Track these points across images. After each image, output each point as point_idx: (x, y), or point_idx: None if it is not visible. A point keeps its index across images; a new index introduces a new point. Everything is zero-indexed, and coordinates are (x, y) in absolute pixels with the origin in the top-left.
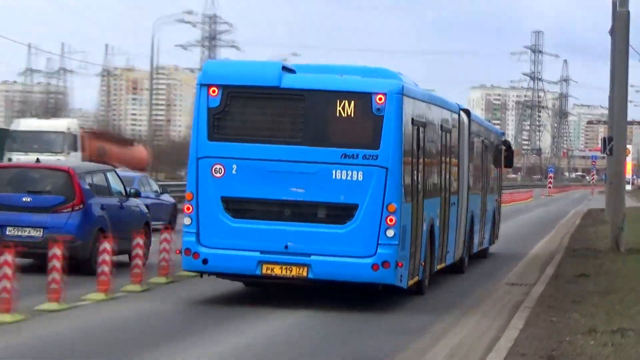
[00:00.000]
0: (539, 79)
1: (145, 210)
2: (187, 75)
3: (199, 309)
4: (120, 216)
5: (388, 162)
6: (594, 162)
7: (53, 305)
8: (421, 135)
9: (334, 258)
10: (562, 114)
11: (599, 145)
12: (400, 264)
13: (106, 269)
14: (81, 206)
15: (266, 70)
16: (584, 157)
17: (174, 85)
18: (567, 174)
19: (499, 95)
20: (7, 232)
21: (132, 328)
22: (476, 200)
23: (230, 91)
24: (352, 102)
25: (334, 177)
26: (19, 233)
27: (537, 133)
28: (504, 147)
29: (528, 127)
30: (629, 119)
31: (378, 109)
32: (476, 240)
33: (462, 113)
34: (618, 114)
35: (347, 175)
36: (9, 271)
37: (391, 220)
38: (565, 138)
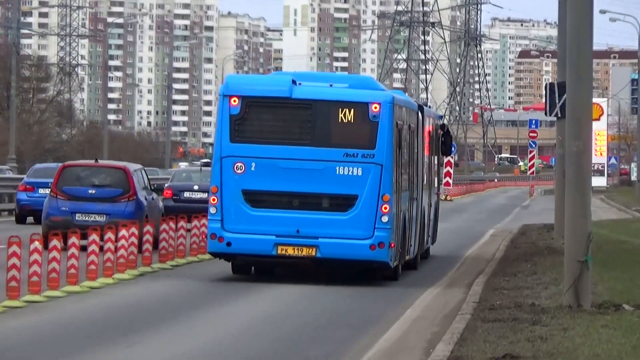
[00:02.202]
0: None
1: (161, 203)
2: None
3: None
4: (152, 207)
5: (383, 159)
6: (533, 133)
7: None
8: (401, 135)
9: (338, 240)
10: (470, 39)
11: (542, 102)
12: (392, 245)
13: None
14: (134, 197)
15: (279, 83)
16: (513, 123)
17: None
18: (479, 157)
19: (347, 4)
20: (77, 218)
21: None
22: (426, 196)
23: (249, 101)
24: (352, 110)
25: (337, 172)
26: (86, 218)
27: (423, 76)
28: (441, 132)
29: (404, 65)
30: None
31: (374, 116)
32: (425, 238)
33: (419, 110)
34: (577, 37)
35: (348, 171)
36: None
37: (385, 208)
38: (477, 86)
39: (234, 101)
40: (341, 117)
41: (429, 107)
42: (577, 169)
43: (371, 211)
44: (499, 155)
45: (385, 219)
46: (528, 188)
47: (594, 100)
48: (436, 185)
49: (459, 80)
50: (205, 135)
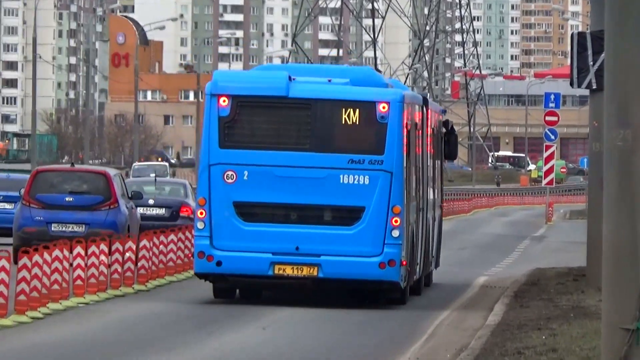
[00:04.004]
0: None
1: (138, 212)
2: None
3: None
4: (132, 216)
5: (393, 166)
6: (551, 115)
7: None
8: (410, 137)
9: (343, 258)
10: None
11: (565, 65)
12: (404, 263)
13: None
14: (116, 205)
15: (274, 80)
16: (518, 99)
17: None
18: (463, 157)
19: None
20: (52, 229)
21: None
22: (431, 207)
23: (240, 101)
24: (357, 110)
25: (341, 181)
26: (63, 229)
27: (369, 22)
28: (444, 131)
29: (336, 3)
30: None
31: (382, 117)
32: (429, 258)
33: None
34: None
35: (354, 179)
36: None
37: (396, 221)
38: (459, 38)
39: (223, 101)
40: (345, 118)
41: (429, 98)
42: (623, 176)
43: (380, 225)
44: (496, 154)
45: (396, 233)
46: (543, 208)
47: None
48: (440, 196)
49: (427, 28)
50: (8, 120)
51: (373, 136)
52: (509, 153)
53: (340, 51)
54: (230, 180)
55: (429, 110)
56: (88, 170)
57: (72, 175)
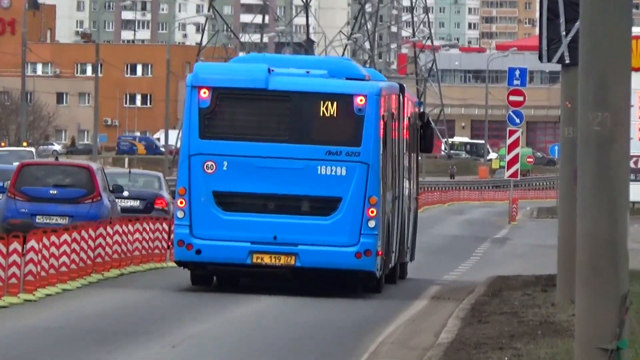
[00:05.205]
0: None
1: (119, 206)
2: None
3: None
4: (114, 209)
5: (369, 158)
6: (515, 94)
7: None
8: (386, 128)
9: (320, 247)
10: None
11: (533, 35)
12: (380, 253)
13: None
14: (99, 198)
15: (254, 72)
16: (477, 75)
17: None
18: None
19: None
20: (37, 220)
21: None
22: (406, 198)
23: (220, 92)
24: (335, 103)
25: (319, 172)
26: (47, 221)
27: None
28: (419, 123)
29: None
30: None
31: (359, 109)
32: (404, 249)
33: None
34: None
35: (331, 170)
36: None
37: (372, 212)
38: (408, 2)
39: (204, 93)
40: (323, 110)
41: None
42: (600, 167)
43: (356, 215)
44: (449, 140)
45: (372, 223)
46: (506, 205)
47: (635, 30)
48: (415, 187)
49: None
50: None
51: (350, 128)
52: (466, 139)
53: (267, 17)
54: (210, 171)
55: (406, 100)
56: (72, 165)
57: (56, 169)
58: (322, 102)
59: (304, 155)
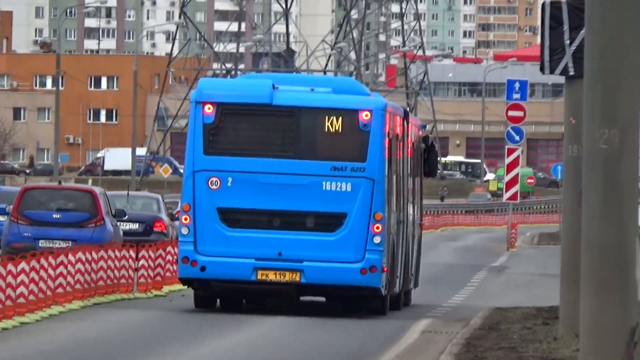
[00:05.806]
0: None
1: (121, 230)
2: None
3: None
4: (116, 234)
5: (374, 174)
6: (515, 109)
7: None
8: (391, 147)
9: (325, 263)
10: None
11: (535, 44)
12: (385, 269)
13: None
14: (102, 222)
15: (258, 88)
16: (473, 88)
17: None
18: None
19: None
20: (40, 244)
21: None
22: (410, 223)
23: (225, 108)
24: (340, 118)
25: (324, 188)
26: (50, 245)
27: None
28: (423, 146)
29: None
30: None
31: (364, 125)
32: (408, 275)
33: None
34: None
35: (336, 186)
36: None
37: (378, 228)
38: (398, 9)
39: (208, 109)
40: (328, 126)
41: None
42: (608, 188)
43: (362, 231)
44: (442, 159)
45: (377, 239)
46: (505, 230)
47: None
48: (419, 212)
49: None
50: None
51: (355, 144)
52: (461, 158)
53: (243, 25)
54: (214, 187)
55: (410, 125)
56: (75, 189)
57: (59, 193)
58: (327, 118)
59: (309, 171)
